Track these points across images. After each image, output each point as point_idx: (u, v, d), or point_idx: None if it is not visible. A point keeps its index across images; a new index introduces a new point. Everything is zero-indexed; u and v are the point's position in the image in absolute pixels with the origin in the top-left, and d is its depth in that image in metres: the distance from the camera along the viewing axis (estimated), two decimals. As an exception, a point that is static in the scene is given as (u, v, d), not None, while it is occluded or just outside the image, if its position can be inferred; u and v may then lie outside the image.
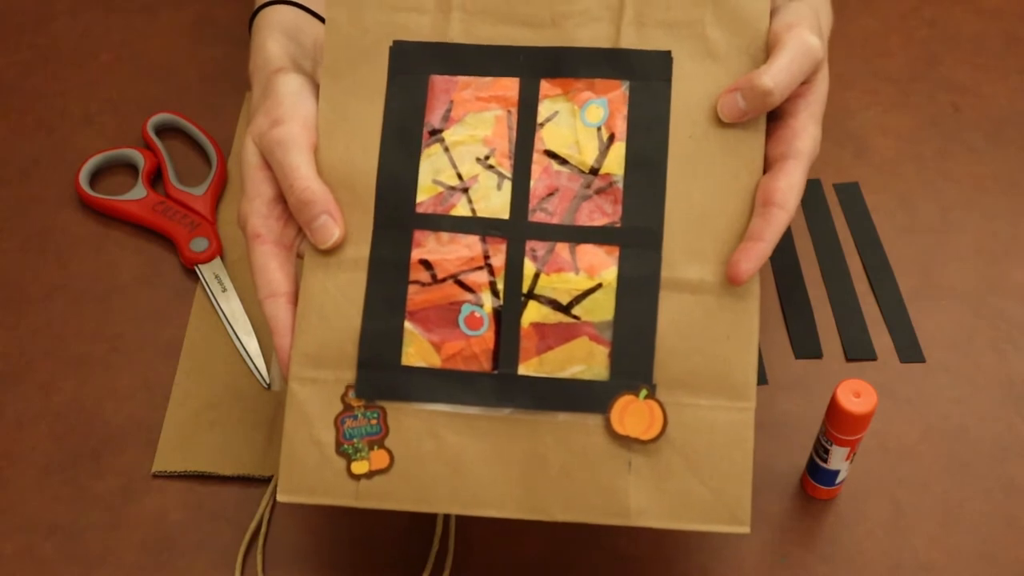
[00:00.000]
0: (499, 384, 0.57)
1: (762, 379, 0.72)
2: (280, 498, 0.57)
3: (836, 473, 0.65)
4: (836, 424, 0.61)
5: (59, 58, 0.89)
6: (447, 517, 0.66)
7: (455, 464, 0.57)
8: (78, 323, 0.74)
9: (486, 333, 0.57)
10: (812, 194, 0.81)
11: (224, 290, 0.75)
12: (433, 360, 0.57)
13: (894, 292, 0.76)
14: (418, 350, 0.57)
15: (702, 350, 0.57)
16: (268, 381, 0.71)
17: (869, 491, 0.67)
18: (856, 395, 0.60)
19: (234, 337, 0.73)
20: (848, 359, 0.73)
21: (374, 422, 0.57)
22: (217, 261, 0.76)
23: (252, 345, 0.72)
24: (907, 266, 0.77)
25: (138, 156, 0.82)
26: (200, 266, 0.76)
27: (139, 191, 0.80)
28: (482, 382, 0.57)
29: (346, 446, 0.57)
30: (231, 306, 0.74)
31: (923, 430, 0.70)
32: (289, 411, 0.58)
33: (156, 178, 0.82)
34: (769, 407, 0.70)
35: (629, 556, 0.65)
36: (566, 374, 0.57)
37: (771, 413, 0.70)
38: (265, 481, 0.67)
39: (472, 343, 0.57)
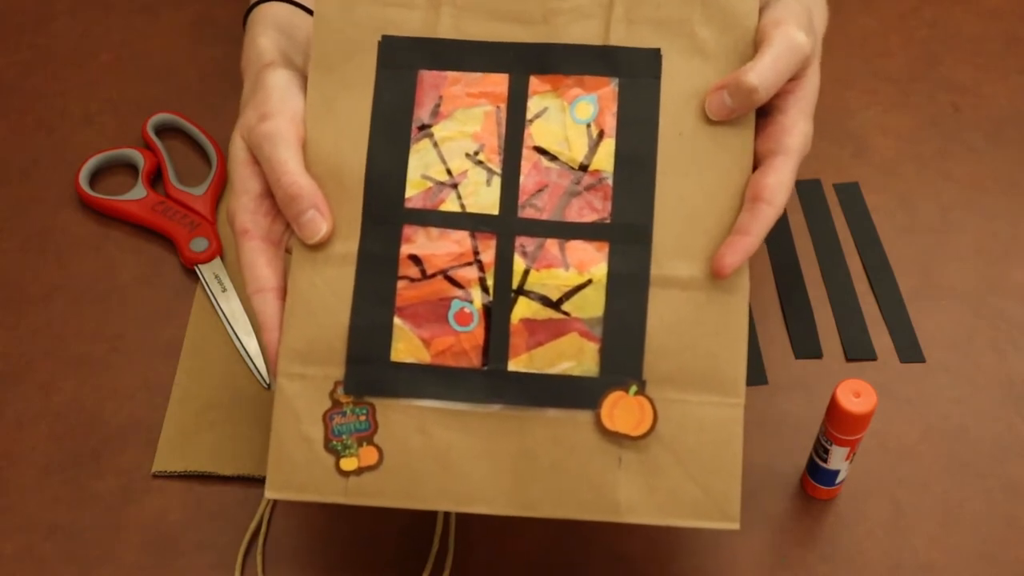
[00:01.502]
0: (489, 380, 0.57)
1: (762, 379, 0.72)
2: (268, 495, 0.57)
3: (836, 473, 0.65)
4: (836, 424, 0.61)
5: (59, 58, 0.89)
6: (447, 515, 0.66)
7: (444, 461, 0.56)
8: (78, 323, 0.74)
9: (476, 329, 0.57)
10: (812, 194, 0.81)
11: (224, 290, 0.75)
12: (422, 356, 0.57)
13: (894, 292, 0.76)
14: (407, 346, 0.57)
15: (691, 346, 0.57)
16: (268, 381, 0.71)
17: (869, 491, 0.67)
18: (856, 395, 0.60)
19: (234, 337, 0.73)
20: (848, 359, 0.73)
21: (363, 418, 0.57)
22: (217, 261, 0.76)
23: (252, 345, 0.72)
24: (907, 266, 0.77)
25: (138, 156, 0.82)
26: (200, 266, 0.76)
27: (139, 191, 0.80)
28: (472, 378, 0.57)
29: (335, 443, 0.57)
30: (231, 306, 0.74)
31: (923, 430, 0.70)
32: (277, 407, 0.58)
33: (156, 178, 0.82)
34: (769, 407, 0.70)
35: (627, 555, 0.65)
36: (556, 370, 0.57)
37: (771, 413, 0.70)
38: (265, 481, 0.67)
39: (462, 339, 0.57)
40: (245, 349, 0.72)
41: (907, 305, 0.75)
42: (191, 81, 0.87)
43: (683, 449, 0.56)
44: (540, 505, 0.56)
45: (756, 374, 0.72)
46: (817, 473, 0.65)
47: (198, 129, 0.83)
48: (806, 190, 0.81)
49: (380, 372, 0.57)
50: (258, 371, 0.71)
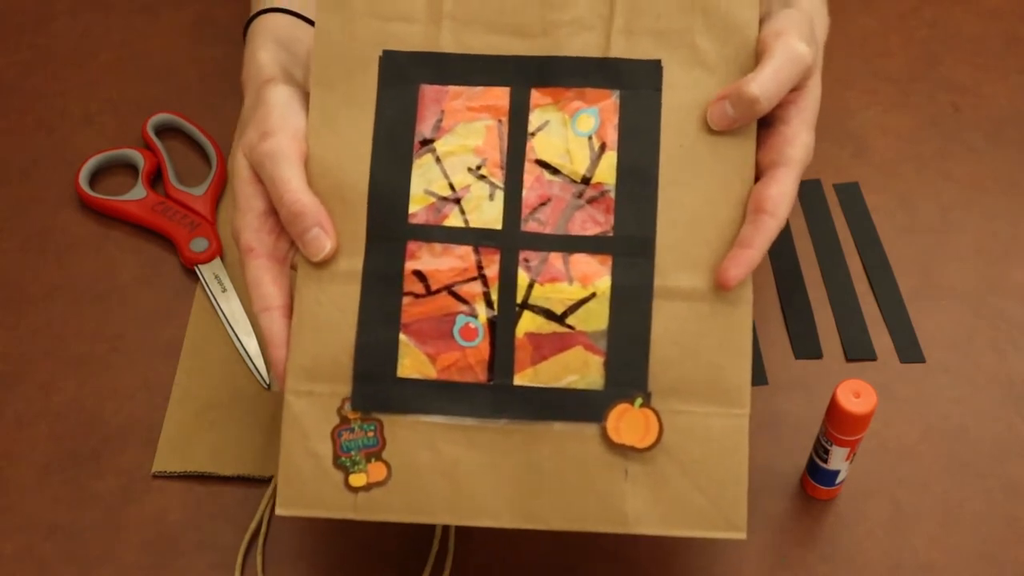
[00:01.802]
0: (494, 395, 0.57)
1: (762, 379, 0.72)
2: (279, 512, 0.57)
3: (836, 473, 0.65)
4: (836, 424, 0.61)
5: (59, 58, 0.89)
6: (447, 517, 0.66)
7: (452, 475, 0.57)
8: (78, 323, 0.74)
9: (481, 344, 0.57)
10: (812, 194, 0.81)
11: (224, 290, 0.75)
12: (428, 372, 0.57)
13: (894, 292, 0.76)
14: (413, 362, 0.57)
15: (696, 357, 0.57)
16: (268, 381, 0.71)
17: (869, 491, 0.67)
18: (856, 395, 0.60)
19: (234, 337, 0.73)
20: (848, 359, 0.73)
21: (371, 434, 0.57)
22: (217, 261, 0.76)
23: (252, 345, 0.72)
24: (907, 266, 0.77)
25: (138, 156, 0.82)
26: (200, 266, 0.76)
27: (139, 191, 0.80)
28: (478, 393, 0.57)
29: (343, 459, 0.57)
30: (231, 306, 0.74)
31: (923, 430, 0.70)
32: (286, 424, 0.58)
33: (156, 178, 0.82)
34: (769, 407, 0.70)
35: (628, 557, 0.65)
36: (561, 384, 0.57)
37: (771, 413, 0.70)
38: (265, 481, 0.67)
39: (467, 354, 0.57)
40: (245, 349, 0.72)
41: (907, 305, 0.75)
42: (191, 81, 0.87)
43: (689, 460, 0.56)
44: (547, 518, 0.56)
45: (756, 374, 0.72)
46: (817, 473, 0.65)
47: (198, 129, 0.83)
48: (806, 190, 0.81)
49: (387, 388, 0.57)
50: (258, 371, 0.71)
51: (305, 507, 0.57)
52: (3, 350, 0.73)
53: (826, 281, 0.76)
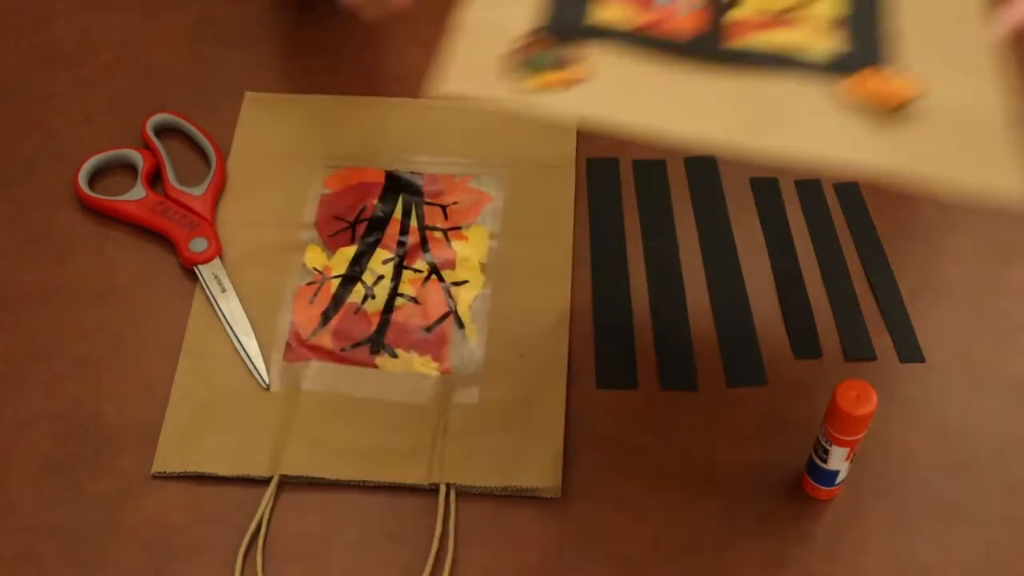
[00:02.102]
0: (708, 48, 0.51)
1: (762, 379, 0.72)
2: (441, 90, 0.50)
3: (836, 473, 0.65)
4: (836, 424, 0.61)
5: (59, 58, 0.89)
6: (446, 516, 0.66)
7: (654, 89, 0.50)
8: (78, 323, 0.74)
9: (693, 11, 0.53)
10: (812, 194, 0.80)
11: (223, 290, 0.75)
12: (626, 22, 0.53)
13: (894, 292, 0.76)
14: (611, 12, 0.53)
15: (943, 37, 0.53)
16: (267, 382, 0.71)
17: (869, 491, 0.67)
18: (856, 395, 0.60)
19: (233, 337, 0.73)
20: (848, 359, 0.73)
21: (560, 56, 0.51)
22: (216, 261, 0.76)
23: (252, 345, 0.72)
24: (907, 266, 0.77)
25: (137, 156, 0.81)
26: (199, 266, 0.76)
27: (138, 191, 0.80)
28: (686, 47, 0.52)
29: (525, 67, 0.51)
30: (230, 306, 0.74)
31: (923, 430, 0.70)
32: (464, 33, 0.52)
33: (155, 178, 0.82)
34: (769, 407, 0.70)
35: (627, 556, 0.65)
36: (790, 51, 0.52)
37: (771, 413, 0.70)
38: (265, 481, 0.67)
39: (673, 15, 0.53)
40: (245, 349, 0.72)
41: (907, 305, 0.75)
42: (191, 81, 0.87)
43: (949, 123, 0.51)
44: (776, 139, 0.49)
45: (756, 374, 0.72)
46: (817, 473, 0.65)
47: (197, 129, 0.83)
48: (806, 190, 0.81)
49: (581, 23, 0.53)
50: (257, 371, 0.71)
51: (468, 86, 0.50)
52: (3, 350, 0.73)
53: (826, 281, 0.76)
